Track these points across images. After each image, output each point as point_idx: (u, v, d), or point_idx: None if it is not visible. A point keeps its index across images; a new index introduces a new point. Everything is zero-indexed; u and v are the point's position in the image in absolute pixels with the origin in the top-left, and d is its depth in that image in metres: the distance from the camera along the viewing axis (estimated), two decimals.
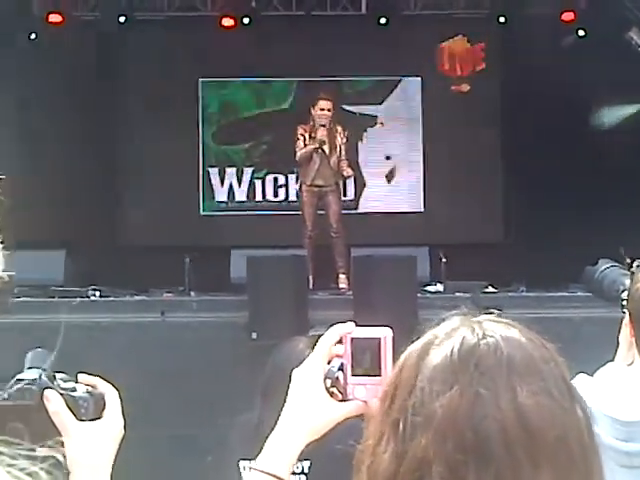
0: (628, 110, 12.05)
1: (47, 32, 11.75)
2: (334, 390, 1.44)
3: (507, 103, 12.30)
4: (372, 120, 12.77)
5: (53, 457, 1.37)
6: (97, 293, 9.14)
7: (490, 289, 9.40)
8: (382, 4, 12.08)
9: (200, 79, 12.76)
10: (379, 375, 1.41)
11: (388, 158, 12.90)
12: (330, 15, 12.40)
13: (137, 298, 9.28)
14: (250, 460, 3.18)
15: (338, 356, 1.46)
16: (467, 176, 12.26)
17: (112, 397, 1.62)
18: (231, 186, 12.92)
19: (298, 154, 9.72)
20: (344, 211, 10.24)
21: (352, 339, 1.44)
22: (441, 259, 9.80)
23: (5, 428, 1.43)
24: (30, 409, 1.51)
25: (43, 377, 1.57)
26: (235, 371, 7.54)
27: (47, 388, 1.56)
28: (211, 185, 12.90)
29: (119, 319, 8.35)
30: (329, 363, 1.46)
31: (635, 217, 9.31)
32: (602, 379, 2.22)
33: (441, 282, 9.64)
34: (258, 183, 12.88)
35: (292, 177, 12.51)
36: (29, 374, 1.57)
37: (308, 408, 1.44)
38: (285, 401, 1.47)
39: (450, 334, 1.14)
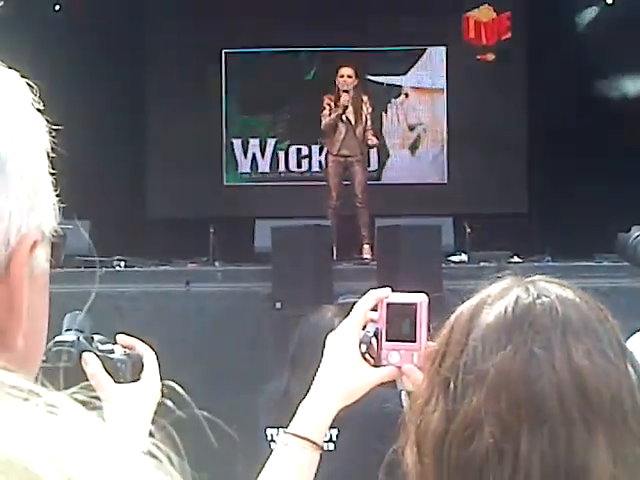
0: None
1: (71, 3, 11.72)
2: (368, 355, 1.43)
3: (533, 73, 12.20)
4: (397, 90, 12.71)
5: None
6: (122, 263, 9.18)
7: (515, 259, 9.36)
8: None
9: (224, 50, 12.73)
10: (414, 341, 1.40)
11: (412, 129, 12.84)
12: None
13: (162, 268, 9.31)
14: (277, 428, 3.19)
15: (373, 321, 1.45)
16: (491, 146, 12.19)
17: (150, 359, 1.62)
18: (254, 157, 12.91)
19: (323, 122, 9.67)
20: (367, 182, 10.21)
21: (388, 304, 1.43)
22: (465, 229, 9.76)
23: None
24: (68, 371, 1.51)
25: (81, 339, 1.57)
26: (259, 340, 7.57)
27: (85, 351, 1.55)
28: (234, 156, 12.90)
29: (144, 289, 8.38)
30: (364, 328, 1.44)
31: None
32: (632, 347, 2.19)
33: (465, 252, 9.61)
34: (281, 154, 12.87)
35: (315, 148, 12.49)
36: (67, 336, 1.56)
37: (342, 372, 1.43)
38: (313, 369, 1.46)
39: (503, 294, 1.12)
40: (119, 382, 1.56)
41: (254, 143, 12.90)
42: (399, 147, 12.78)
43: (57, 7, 11.78)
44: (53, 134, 0.81)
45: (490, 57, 12.56)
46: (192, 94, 12.06)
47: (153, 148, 12.58)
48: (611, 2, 11.79)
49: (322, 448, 1.42)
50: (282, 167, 12.90)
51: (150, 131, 12.57)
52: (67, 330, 1.57)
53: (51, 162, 0.80)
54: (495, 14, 12.59)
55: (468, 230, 9.74)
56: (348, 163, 9.75)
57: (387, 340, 1.42)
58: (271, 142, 12.89)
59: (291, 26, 11.97)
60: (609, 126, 11.17)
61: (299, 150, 12.81)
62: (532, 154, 12.28)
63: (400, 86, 12.76)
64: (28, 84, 0.78)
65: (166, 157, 12.36)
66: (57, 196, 0.79)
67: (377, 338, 1.43)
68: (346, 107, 9.52)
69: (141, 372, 1.60)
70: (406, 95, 12.81)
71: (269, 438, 3.20)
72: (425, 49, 12.74)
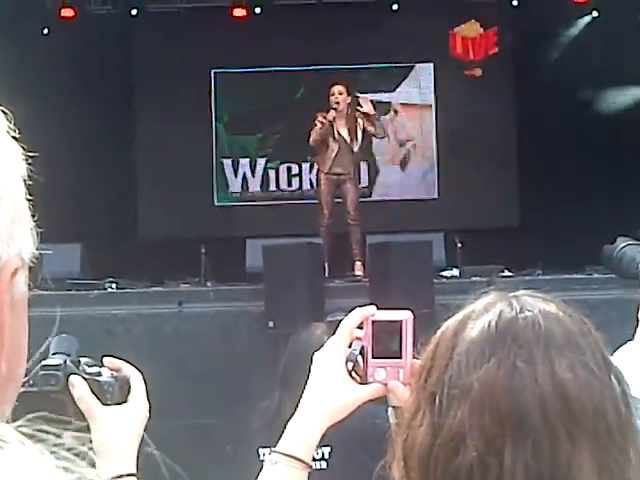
0: None
1: (60, 27, 11.75)
2: (354, 373, 1.43)
3: (520, 87, 12.25)
4: (386, 107, 12.74)
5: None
6: (114, 285, 9.16)
7: (506, 273, 9.38)
8: None
9: (212, 70, 12.76)
10: (400, 357, 1.40)
11: (402, 145, 12.88)
12: (342, 2, 12.34)
13: (154, 289, 9.30)
14: (270, 447, 3.19)
15: (359, 339, 1.45)
16: (481, 161, 12.23)
17: (137, 381, 1.62)
18: (245, 176, 12.93)
19: (311, 138, 9.62)
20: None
21: (373, 322, 1.43)
22: (456, 244, 9.78)
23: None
24: (55, 395, 1.51)
25: (68, 363, 1.57)
26: (252, 360, 7.55)
27: (72, 374, 1.55)
28: (225, 176, 12.91)
29: (136, 310, 8.37)
30: (350, 346, 1.45)
31: None
32: (622, 358, 2.20)
33: (457, 267, 9.63)
34: (272, 173, 12.89)
35: (305, 166, 12.51)
36: (54, 360, 1.56)
37: (329, 391, 1.42)
38: (304, 387, 1.46)
39: (487, 308, 1.13)
40: (107, 404, 1.56)
41: (244, 163, 12.92)
42: (389, 163, 12.81)
43: (45, 31, 11.81)
44: (37, 159, 0.81)
45: (477, 72, 12.61)
46: (181, 115, 12.07)
47: (143, 169, 12.58)
48: (597, 16, 11.87)
49: (311, 467, 1.42)
50: (273, 186, 12.92)
51: (140, 152, 12.57)
52: (54, 354, 1.57)
53: (33, 187, 0.80)
54: (482, 29, 12.65)
55: (459, 245, 9.77)
56: (340, 181, 9.76)
57: (373, 357, 1.42)
58: (261, 161, 12.91)
59: (279, 46, 12.01)
60: (597, 140, 11.22)
61: (289, 169, 12.83)
62: (521, 168, 12.31)
63: (389, 103, 12.80)
64: (2, 111, 0.78)
65: (157, 178, 12.36)
66: (35, 221, 0.80)
67: (363, 356, 1.43)
68: (332, 123, 9.50)
69: (128, 394, 1.60)
70: (395, 112, 12.85)
71: (261, 457, 3.19)
72: (413, 66, 12.79)
